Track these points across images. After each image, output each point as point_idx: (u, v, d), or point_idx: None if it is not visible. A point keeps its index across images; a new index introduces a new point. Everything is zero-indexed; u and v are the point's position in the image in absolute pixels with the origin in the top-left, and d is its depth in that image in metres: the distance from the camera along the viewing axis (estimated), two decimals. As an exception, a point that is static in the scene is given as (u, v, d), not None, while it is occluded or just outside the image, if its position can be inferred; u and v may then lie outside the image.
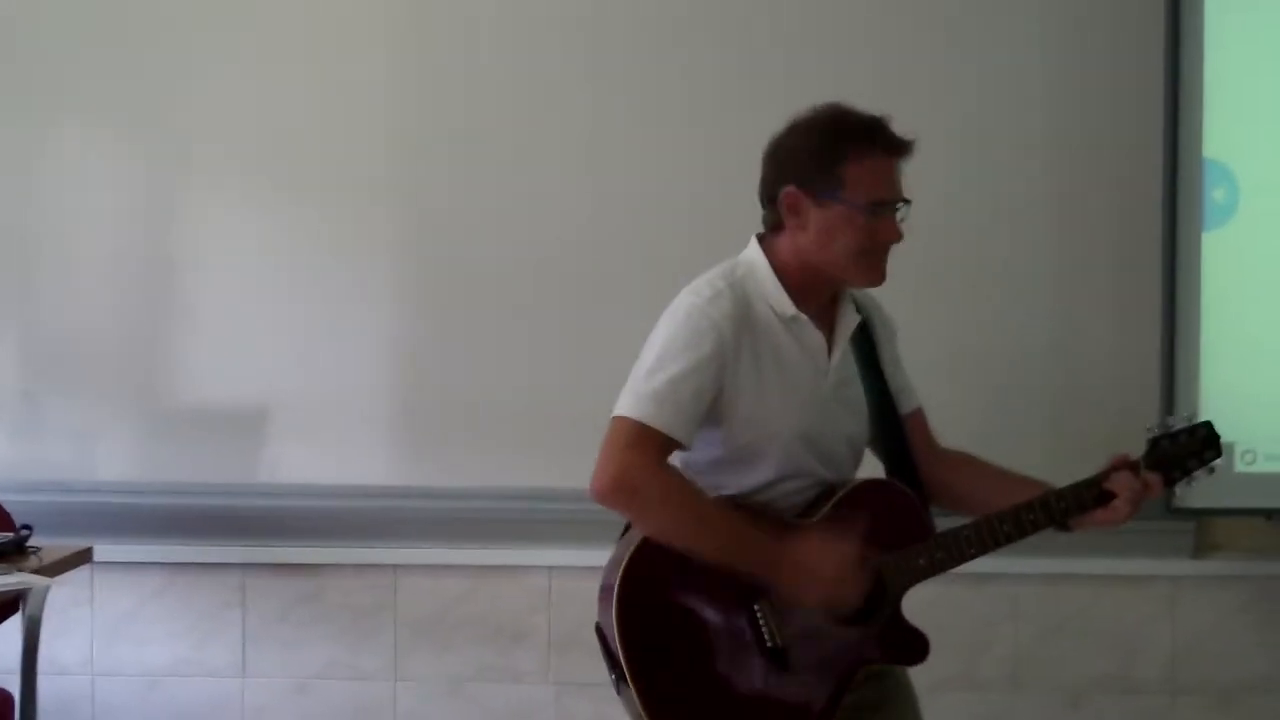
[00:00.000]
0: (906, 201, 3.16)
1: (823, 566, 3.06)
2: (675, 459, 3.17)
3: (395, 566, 4.93)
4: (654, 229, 4.81)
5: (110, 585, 4.95)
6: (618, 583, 3.13)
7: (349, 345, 4.89)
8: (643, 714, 3.07)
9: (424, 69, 4.88)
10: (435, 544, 4.90)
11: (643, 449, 3.05)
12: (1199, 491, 4.38)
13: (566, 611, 4.91)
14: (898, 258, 3.23)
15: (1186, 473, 3.29)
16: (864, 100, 3.11)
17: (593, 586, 4.82)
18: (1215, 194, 4.55)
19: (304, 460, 4.89)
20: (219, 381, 4.93)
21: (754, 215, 3.20)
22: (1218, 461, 3.32)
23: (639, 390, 3.09)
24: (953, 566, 3.21)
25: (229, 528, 4.90)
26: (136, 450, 4.93)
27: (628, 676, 3.09)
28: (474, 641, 4.94)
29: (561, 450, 4.75)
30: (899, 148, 3.14)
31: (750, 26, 4.79)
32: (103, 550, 4.71)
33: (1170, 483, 3.29)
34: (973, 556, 3.21)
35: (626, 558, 3.13)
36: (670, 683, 3.09)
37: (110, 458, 4.93)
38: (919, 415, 3.45)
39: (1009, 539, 3.20)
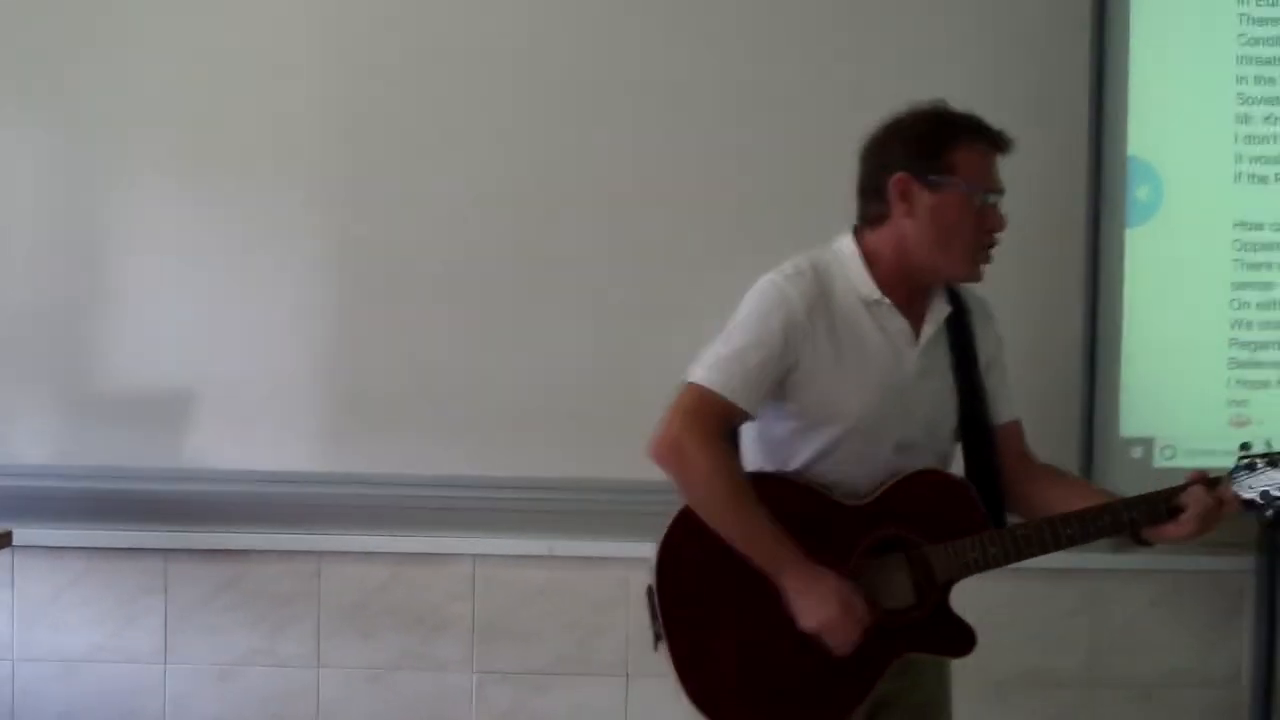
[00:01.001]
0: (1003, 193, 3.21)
1: (827, 608, 3.08)
2: (748, 431, 3.25)
3: (319, 553, 4.87)
4: (580, 216, 4.76)
5: (31, 570, 4.87)
6: (661, 542, 3.21)
7: (274, 330, 4.81)
8: (672, 670, 3.14)
9: (353, 50, 4.80)
10: (359, 531, 4.83)
11: (704, 415, 3.12)
12: (1117, 485, 4.44)
13: (490, 600, 4.87)
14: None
15: (1271, 501, 3.22)
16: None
17: (516, 576, 4.88)
18: (1139, 191, 4.55)
19: (228, 445, 4.81)
20: (142, 365, 4.85)
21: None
22: None
23: (708, 359, 3.16)
24: (1008, 563, 3.21)
25: (151, 513, 4.82)
26: (58, 434, 4.83)
27: (663, 634, 3.16)
28: (397, 629, 4.88)
29: (487, 438, 4.77)
30: (1001, 141, 3.22)
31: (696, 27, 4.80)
32: (23, 534, 4.70)
33: (1249, 506, 3.23)
34: (1031, 555, 3.21)
35: (672, 519, 3.20)
36: (701, 646, 3.15)
37: (31, 441, 4.83)
38: (1014, 426, 3.45)
39: (1071, 541, 3.21)
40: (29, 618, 4.92)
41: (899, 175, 3.19)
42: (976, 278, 3.24)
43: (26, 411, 4.86)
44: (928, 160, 3.17)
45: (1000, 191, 3.20)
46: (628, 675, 4.89)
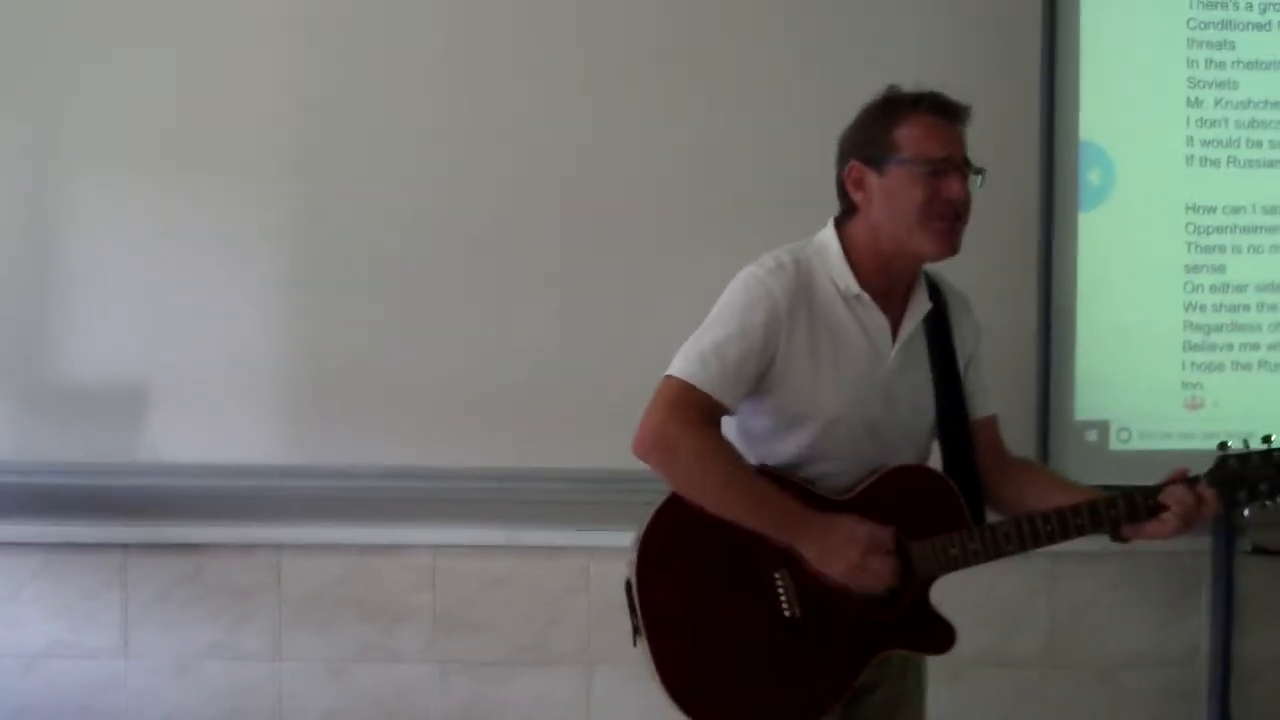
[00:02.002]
0: (974, 168, 3.16)
1: (849, 549, 3.05)
2: (729, 426, 3.18)
3: (278, 546, 4.83)
4: (543, 207, 4.74)
5: (-11, 566, 4.82)
6: (641, 535, 3.12)
7: (231, 323, 4.75)
8: (652, 666, 3.08)
9: (316, 41, 4.76)
10: (318, 523, 4.79)
11: (683, 408, 3.06)
12: (1073, 469, 4.45)
13: (450, 590, 4.84)
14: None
15: (1255, 496, 3.19)
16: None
17: (476, 566, 4.86)
18: (1091, 175, 4.53)
19: (185, 438, 4.76)
20: (98, 358, 4.79)
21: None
22: None
23: (688, 352, 3.11)
24: (987, 560, 3.17)
25: (109, 507, 4.77)
26: (13, 429, 4.77)
27: (641, 628, 3.09)
28: (357, 621, 4.85)
29: (446, 429, 4.74)
30: (947, 108, 3.16)
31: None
32: (-22, 530, 4.65)
33: (1233, 504, 3.19)
34: (1011, 552, 3.17)
35: (652, 513, 3.13)
36: (682, 640, 3.09)
37: (-13, 436, 4.77)
38: (990, 422, 3.42)
39: (1050, 539, 3.16)
40: (-12, 615, 4.86)
41: (851, 164, 3.18)
42: (949, 252, 3.16)
43: (-18, 406, 4.80)
44: (873, 144, 3.15)
45: (954, 159, 3.13)
46: (589, 663, 4.86)
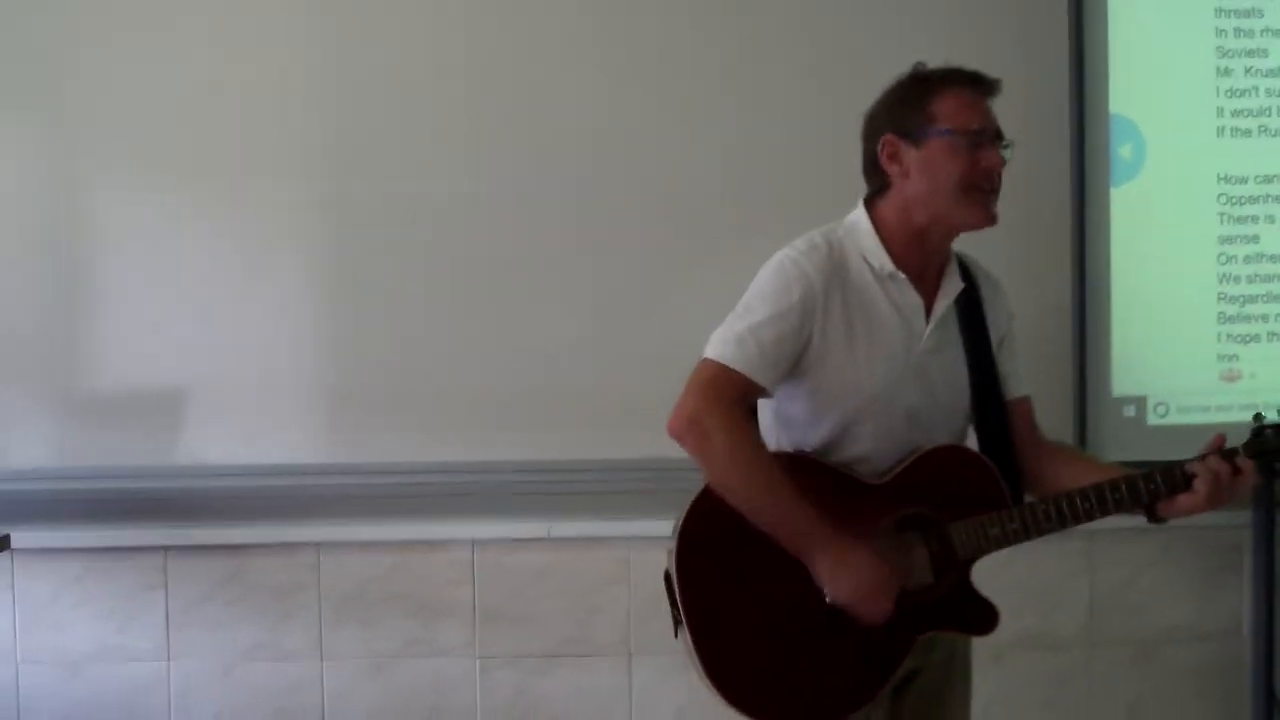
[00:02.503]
0: (1006, 140, 3.14)
1: (860, 578, 3.02)
2: (765, 410, 3.20)
3: (317, 544, 4.80)
4: (571, 203, 4.72)
5: (30, 572, 4.79)
6: (680, 525, 3.10)
7: (266, 324, 4.73)
8: (695, 655, 3.05)
9: (340, 49, 4.73)
10: (357, 521, 4.76)
11: (721, 390, 3.04)
12: (1111, 445, 4.42)
13: (490, 584, 4.81)
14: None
15: None
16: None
17: (516, 559, 4.84)
18: (1122, 150, 4.49)
19: (222, 440, 4.73)
20: (135, 364, 4.75)
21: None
22: None
23: (724, 334, 3.09)
24: (1027, 538, 3.14)
25: (149, 510, 4.74)
26: (53, 436, 4.74)
27: (683, 618, 3.07)
28: (398, 617, 4.81)
29: (481, 423, 4.72)
30: (980, 81, 3.14)
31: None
32: (21, 537, 4.66)
33: (1272, 474, 3.19)
34: (1050, 530, 3.14)
35: (690, 503, 3.10)
36: (723, 630, 3.07)
37: (26, 444, 4.74)
38: (1025, 403, 3.39)
39: (1089, 516, 3.13)
40: (30, 620, 4.82)
41: (885, 138, 3.15)
42: (989, 221, 3.14)
43: (21, 415, 4.76)
44: (909, 117, 3.13)
45: (989, 131, 3.12)
46: (630, 654, 4.83)
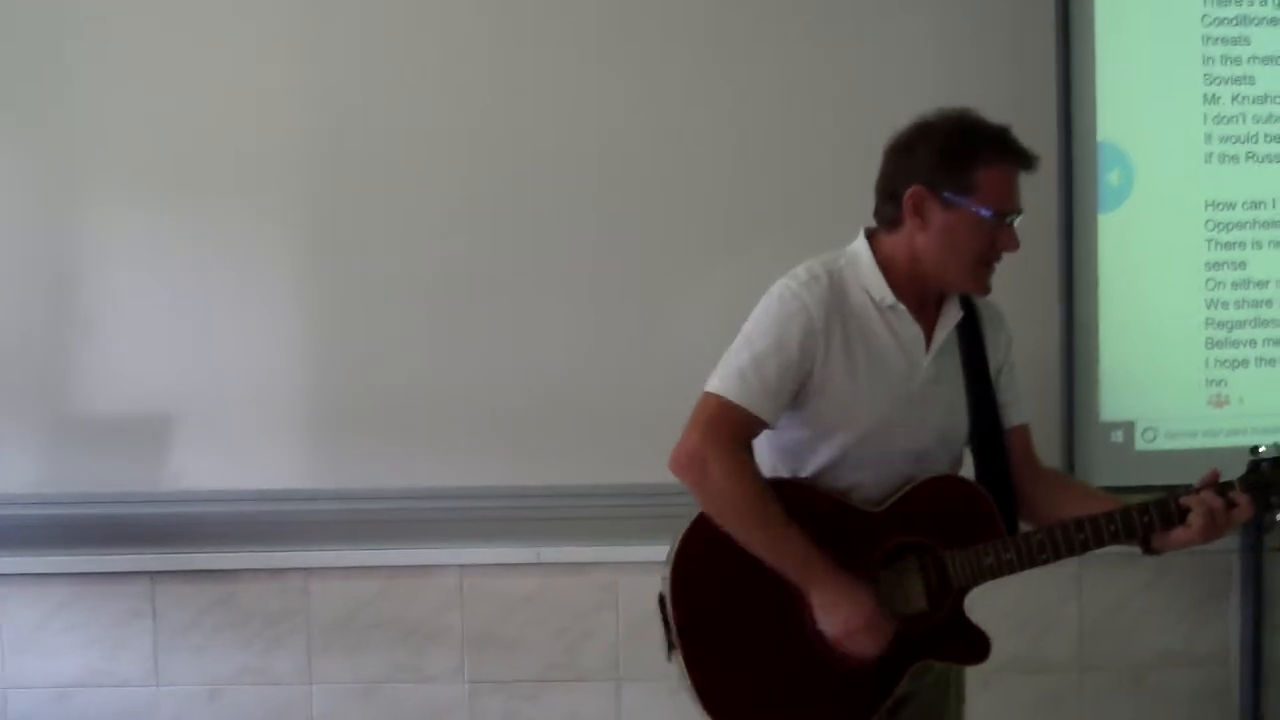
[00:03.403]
0: (1020, 213, 3.10)
1: (855, 614, 3.01)
2: (762, 436, 3.13)
3: (306, 570, 4.75)
4: (559, 226, 4.66)
5: (17, 598, 4.75)
6: (676, 549, 3.08)
7: (252, 347, 4.67)
8: (688, 681, 3.04)
9: (327, 61, 4.68)
10: (345, 546, 4.72)
11: (722, 428, 3.02)
12: (1099, 470, 4.40)
13: (478, 610, 4.76)
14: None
15: None
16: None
17: (504, 585, 4.80)
18: (1110, 176, 4.46)
19: (210, 465, 4.67)
20: (122, 389, 4.69)
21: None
22: None
23: (726, 368, 3.06)
24: (1022, 569, 3.11)
25: (136, 536, 4.69)
26: (39, 461, 4.68)
27: (676, 642, 3.05)
28: (386, 642, 4.77)
29: (468, 448, 4.67)
30: (1028, 160, 3.10)
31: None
32: (7, 563, 4.63)
33: (1266, 507, 3.10)
34: (1045, 561, 3.11)
35: (686, 527, 3.08)
36: (717, 653, 3.06)
37: (11, 469, 4.67)
38: (1023, 431, 3.35)
39: (1084, 547, 3.10)
40: (18, 646, 4.78)
41: (916, 188, 3.07)
42: (983, 293, 3.16)
43: (7, 439, 4.69)
44: (949, 176, 3.05)
45: (1018, 212, 3.09)
46: (619, 680, 4.79)
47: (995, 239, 3.07)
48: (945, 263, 3.09)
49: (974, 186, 3.04)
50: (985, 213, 3.04)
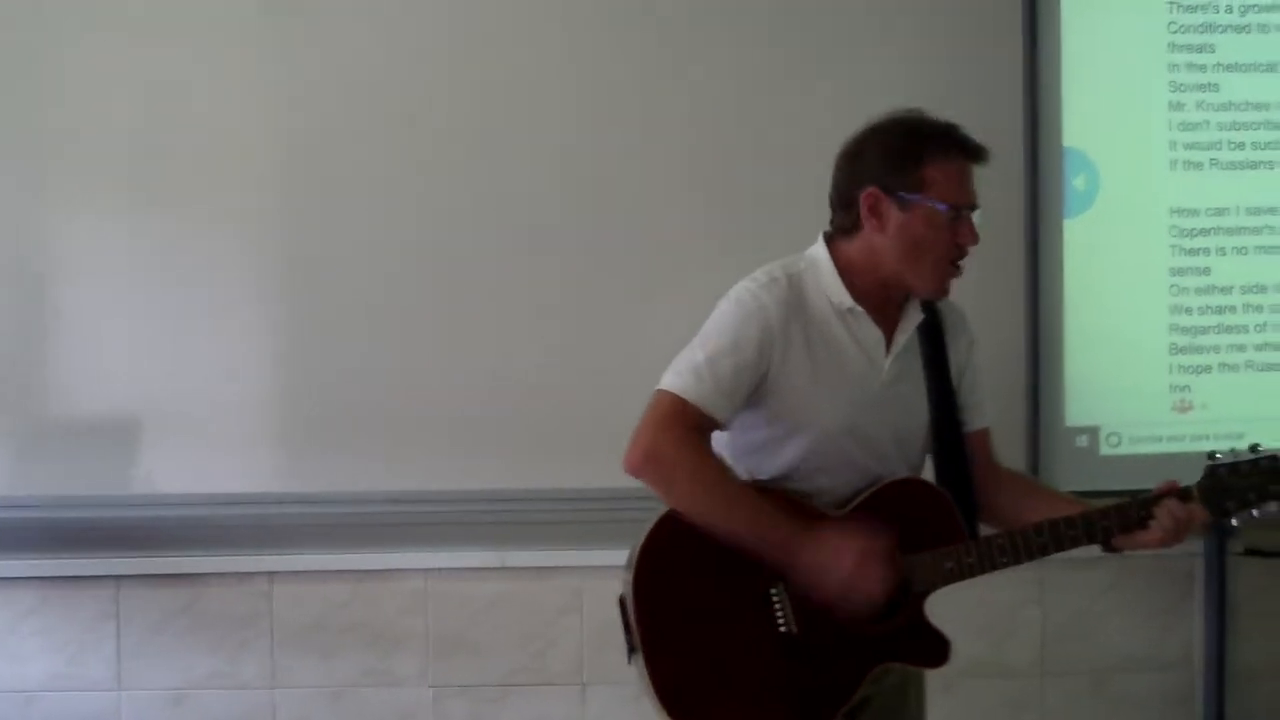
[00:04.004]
0: (978, 208, 3.09)
1: (842, 559, 2.95)
2: (719, 441, 3.11)
3: (271, 574, 4.71)
4: (524, 234, 4.64)
5: (-16, 602, 4.67)
6: (637, 551, 3.04)
7: (221, 353, 4.63)
8: (648, 682, 3.00)
9: (297, 69, 4.64)
10: (311, 550, 4.68)
11: (677, 422, 3.00)
12: (1064, 475, 4.40)
13: (443, 614, 4.73)
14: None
15: (1245, 505, 3.10)
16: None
17: (469, 589, 4.77)
18: (1076, 181, 4.46)
19: (177, 469, 4.62)
20: (88, 392, 4.65)
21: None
22: (1277, 502, 3.12)
23: (680, 366, 3.04)
24: (982, 572, 3.09)
25: (102, 540, 4.64)
26: (5, 465, 4.63)
27: (638, 644, 3.01)
28: (352, 647, 4.72)
29: (434, 453, 4.64)
30: (977, 152, 3.09)
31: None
32: (-27, 567, 4.50)
33: (1224, 513, 3.10)
34: (1006, 565, 3.09)
35: (649, 529, 3.04)
36: (679, 655, 3.02)
37: (-22, 473, 4.60)
38: (983, 435, 3.35)
39: (1044, 550, 3.09)
40: (-14, 650, 4.72)
41: (869, 190, 3.06)
42: (942, 294, 3.13)
43: (-28, 444, 4.65)
44: (899, 175, 3.05)
45: (974, 206, 3.07)
46: (584, 684, 4.75)
47: (954, 234, 3.05)
48: (906, 263, 3.07)
49: (925, 183, 3.03)
50: (941, 207, 3.03)
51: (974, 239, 3.08)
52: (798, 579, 3.00)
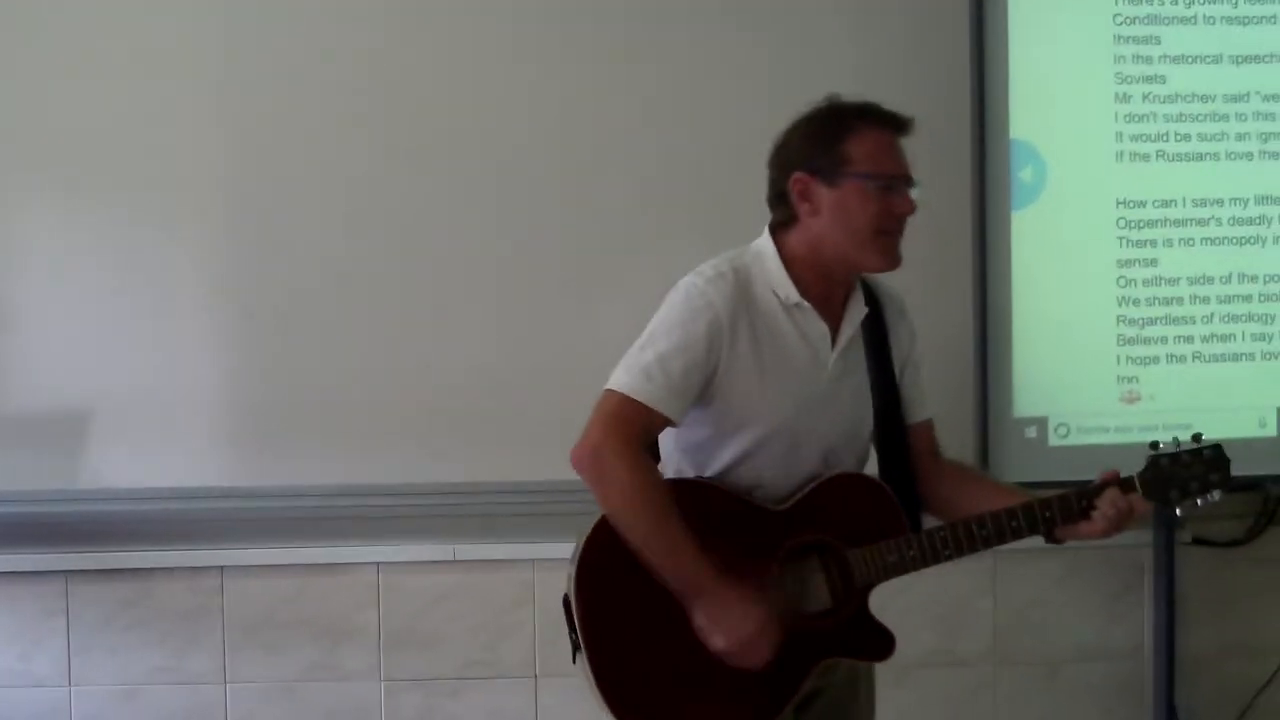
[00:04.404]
0: (913, 181, 3.10)
1: (732, 631, 2.96)
2: (667, 433, 3.12)
3: (221, 568, 4.68)
4: (474, 224, 4.63)
5: (-68, 598, 4.62)
6: (579, 550, 3.05)
7: (167, 345, 4.59)
8: (592, 683, 3.01)
9: (244, 58, 4.61)
10: (261, 544, 4.66)
11: (625, 424, 2.99)
12: (1013, 466, 4.42)
13: (396, 607, 4.72)
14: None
15: (1186, 494, 3.13)
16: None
17: (421, 582, 4.77)
18: (1023, 174, 4.46)
19: (126, 464, 4.59)
20: (36, 386, 4.61)
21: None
22: (1219, 491, 3.16)
23: (630, 365, 3.03)
24: (925, 566, 3.10)
25: (50, 535, 4.61)
26: (-49, 460, 4.57)
27: (581, 644, 3.02)
28: (303, 641, 4.71)
29: (384, 446, 4.62)
30: (895, 121, 3.09)
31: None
32: (-80, 563, 4.44)
33: (1165, 503, 3.14)
34: (948, 558, 3.10)
35: (589, 529, 3.05)
36: (622, 655, 3.03)
37: (-76, 468, 4.55)
38: (925, 427, 3.36)
39: (986, 543, 3.11)
40: (-67, 648, 4.66)
41: (796, 175, 3.08)
42: (893, 265, 3.11)
43: (-83, 438, 4.60)
44: (822, 156, 3.06)
45: (902, 175, 3.08)
46: (536, 676, 4.75)
47: (887, 205, 3.06)
48: (845, 241, 3.07)
49: (848, 158, 3.05)
50: (864, 179, 3.04)
51: (909, 207, 3.08)
52: (695, 619, 3.01)
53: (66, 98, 4.59)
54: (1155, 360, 4.50)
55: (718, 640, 2.97)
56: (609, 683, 3.01)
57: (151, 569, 4.70)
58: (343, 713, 4.76)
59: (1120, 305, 4.50)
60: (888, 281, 3.32)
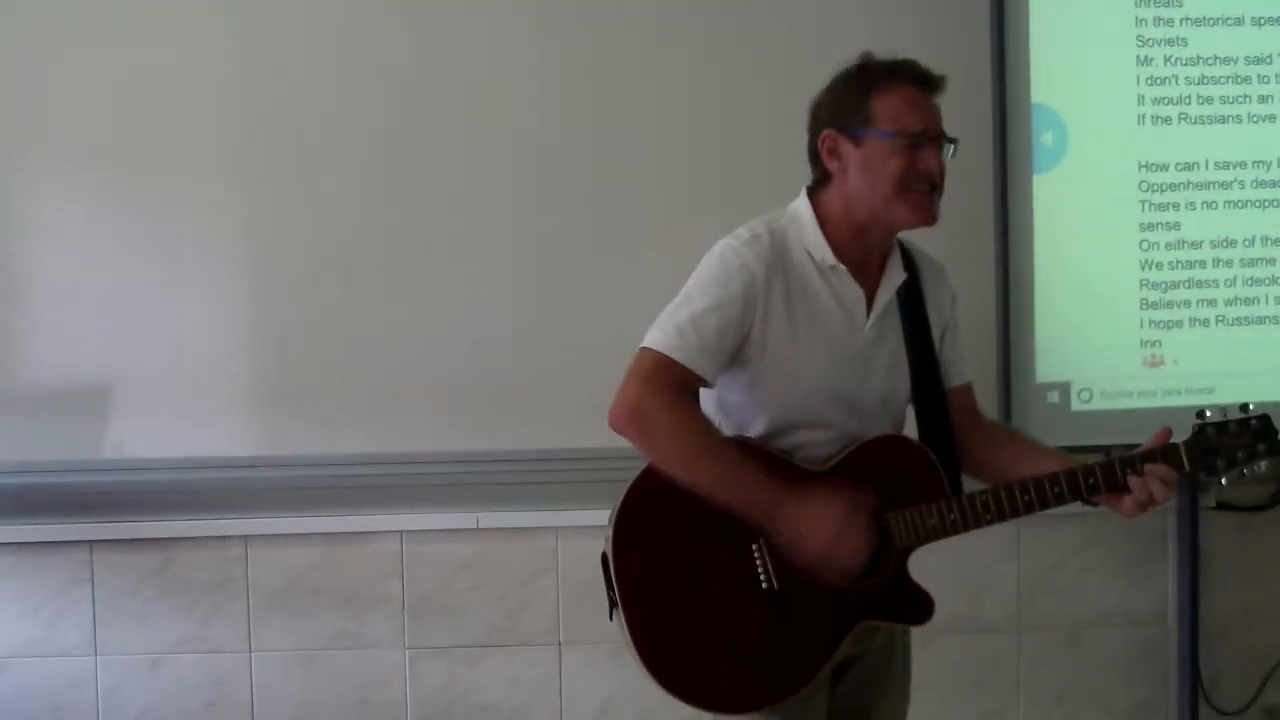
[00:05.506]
0: (950, 139, 3.11)
1: (823, 527, 2.95)
2: (705, 399, 3.13)
3: (245, 537, 4.71)
4: (500, 193, 4.65)
5: (-43, 568, 4.64)
6: (617, 509, 3.06)
7: (190, 316, 4.63)
8: (629, 640, 3.02)
9: (261, 35, 4.64)
10: (285, 513, 4.69)
11: (660, 380, 2.98)
12: (1036, 431, 4.42)
13: (419, 576, 4.74)
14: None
15: (1233, 464, 3.10)
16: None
17: (444, 550, 4.79)
18: (1044, 138, 4.45)
19: (150, 434, 4.62)
20: (61, 358, 4.65)
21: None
22: (1266, 462, 3.13)
23: (664, 324, 3.03)
24: (965, 529, 3.09)
25: (75, 505, 4.65)
26: (-23, 430, 4.58)
27: (619, 601, 3.03)
28: (327, 609, 4.74)
29: (408, 414, 4.64)
30: (924, 79, 3.10)
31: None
32: (-54, 533, 4.46)
33: (1212, 471, 3.11)
34: (989, 522, 3.09)
35: (629, 485, 3.06)
36: (659, 614, 3.03)
37: (-50, 440, 4.57)
38: (965, 390, 3.36)
39: (1029, 508, 3.10)
40: (-42, 616, 4.68)
41: (825, 133, 3.10)
42: (927, 221, 3.11)
43: (-56, 410, 4.61)
44: (850, 114, 3.07)
45: (930, 132, 3.08)
46: (560, 644, 4.78)
47: (912, 162, 3.06)
48: (874, 198, 3.08)
49: (873, 115, 3.06)
50: (888, 135, 3.05)
51: (937, 164, 3.08)
52: (778, 540, 3.00)
53: (88, 74, 4.61)
54: (1178, 324, 4.49)
55: (811, 545, 2.97)
56: (645, 640, 3.02)
57: (176, 539, 4.72)
58: (366, 680, 4.79)
59: (1143, 269, 4.47)
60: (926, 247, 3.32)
